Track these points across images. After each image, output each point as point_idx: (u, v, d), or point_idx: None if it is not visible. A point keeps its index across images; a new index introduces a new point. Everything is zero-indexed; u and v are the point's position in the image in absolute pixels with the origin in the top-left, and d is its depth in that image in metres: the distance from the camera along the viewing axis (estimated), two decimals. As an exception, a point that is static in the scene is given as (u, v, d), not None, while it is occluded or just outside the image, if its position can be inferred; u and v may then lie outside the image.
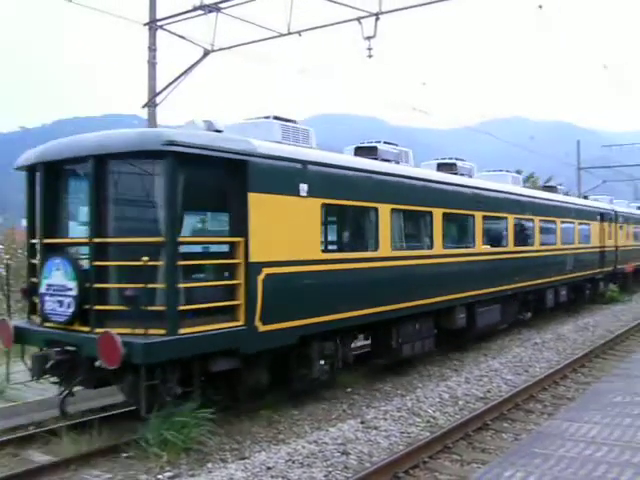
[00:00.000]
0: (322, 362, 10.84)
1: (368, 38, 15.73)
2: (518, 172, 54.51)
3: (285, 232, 9.88)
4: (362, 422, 9.36)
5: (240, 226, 9.20)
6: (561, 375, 12.92)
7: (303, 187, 10.20)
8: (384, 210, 12.12)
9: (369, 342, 13.79)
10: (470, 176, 16.83)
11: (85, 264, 8.97)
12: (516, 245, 17.82)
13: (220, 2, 16.45)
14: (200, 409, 8.87)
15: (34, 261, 9.94)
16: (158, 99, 17.82)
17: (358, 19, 15.84)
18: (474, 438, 9.13)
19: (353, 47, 17.34)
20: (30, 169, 10.12)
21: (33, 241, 10.06)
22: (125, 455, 8.56)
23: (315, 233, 10.55)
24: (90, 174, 8.88)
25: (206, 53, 17.33)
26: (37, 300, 9.57)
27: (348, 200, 11.35)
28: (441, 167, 16.15)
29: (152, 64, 17.73)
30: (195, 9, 16.67)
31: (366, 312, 11.43)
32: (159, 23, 17.72)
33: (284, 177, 9.98)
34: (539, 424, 8.56)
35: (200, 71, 17.77)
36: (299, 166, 10.24)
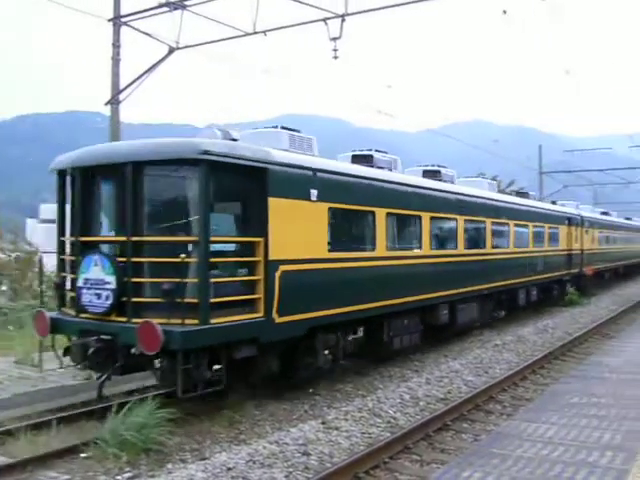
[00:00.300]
0: (326, 352, 11.98)
1: (334, 39, 15.79)
2: (481, 175, 55.22)
3: (298, 233, 10.85)
4: (323, 423, 9.36)
5: (260, 227, 10.09)
6: (520, 376, 13.07)
7: (313, 192, 11.19)
8: (380, 214, 13.18)
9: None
10: (452, 182, 17.90)
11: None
12: (493, 247, 19.03)
13: (186, -1, 16.38)
14: (161, 409, 8.83)
15: (64, 257, 11.03)
16: (122, 96, 17.67)
17: (324, 20, 15.88)
18: (434, 438, 9.20)
19: (319, 48, 17.38)
20: (61, 173, 11.03)
21: (63, 239, 11.08)
22: (84, 456, 8.46)
23: (322, 234, 11.53)
24: (128, 179, 9.64)
25: (171, 51, 17.25)
26: (69, 293, 10.68)
27: (350, 204, 12.40)
28: (426, 174, 16.94)
29: (116, 61, 17.57)
30: (160, 6, 16.59)
31: (364, 307, 12.45)
32: (124, 19, 17.57)
33: (298, 183, 10.96)
34: (498, 425, 8.66)
35: (169, 69, 17.69)
36: (310, 173, 11.22)
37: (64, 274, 10.94)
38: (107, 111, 18.11)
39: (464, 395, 11.17)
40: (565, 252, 26.59)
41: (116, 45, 17.46)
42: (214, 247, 9.55)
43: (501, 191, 26.62)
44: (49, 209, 25.82)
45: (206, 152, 9.27)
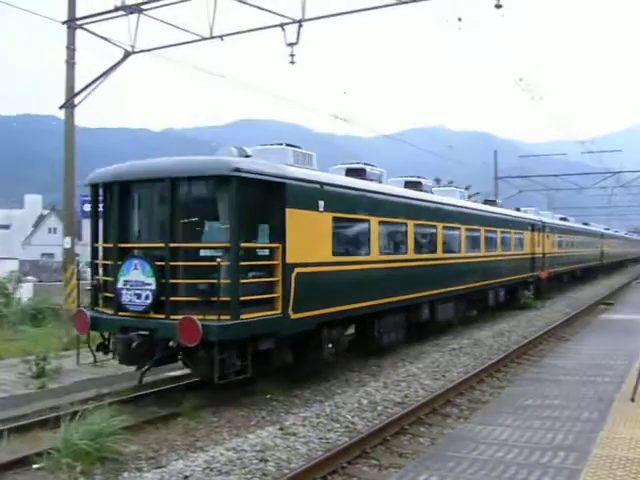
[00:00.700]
0: (330, 346, 13.17)
1: (291, 45, 15.76)
2: (437, 180, 55.73)
3: (308, 239, 12.21)
4: (281, 429, 9.34)
5: (279, 234, 11.45)
6: (477, 380, 13.20)
7: (321, 203, 12.64)
8: (374, 222, 14.71)
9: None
10: (431, 192, 19.56)
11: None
12: (467, 252, 20.67)
13: (142, 3, 16.21)
14: (116, 416, 8.73)
15: (99, 261, 12.50)
16: (77, 100, 17.43)
17: (281, 25, 15.85)
18: (392, 443, 9.23)
19: (277, 53, 17.40)
20: (94, 186, 12.45)
21: (97, 245, 12.54)
22: (36, 467, 8.30)
23: (328, 240, 12.94)
24: (166, 192, 10.96)
25: (127, 55, 17.05)
26: (106, 294, 11.98)
27: (350, 214, 13.91)
28: (408, 184, 18.31)
29: (71, 64, 17.32)
30: (116, 9, 16.37)
31: (361, 305, 13.86)
32: (79, 22, 17.33)
33: (309, 195, 12.38)
34: (455, 428, 8.73)
35: (128, 73, 17.51)
36: (318, 186, 12.71)
37: (99, 277, 12.34)
38: (62, 115, 17.86)
39: (421, 399, 11.25)
40: (529, 256, 28.27)
41: (71, 48, 17.21)
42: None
43: (481, 202, 27.94)
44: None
45: (237, 169, 10.66)
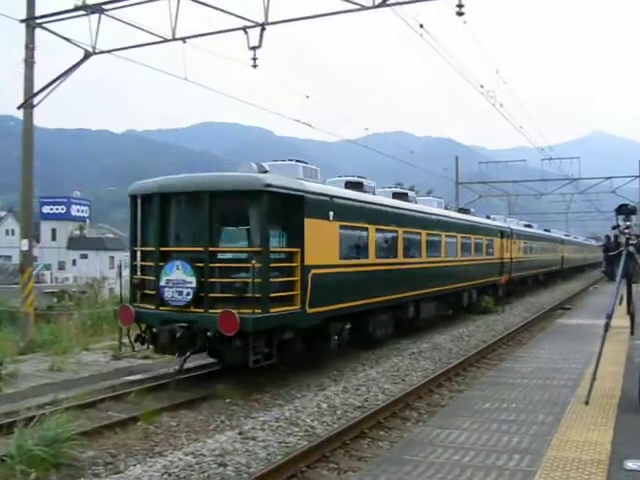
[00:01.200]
0: (336, 337, 15.06)
1: (253, 48, 15.79)
2: (399, 185, 56.14)
3: (321, 245, 13.95)
4: (240, 433, 9.30)
5: (298, 240, 13.18)
6: (436, 384, 13.31)
7: (331, 214, 14.45)
8: (372, 229, 16.67)
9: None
10: (416, 202, 21.59)
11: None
12: (446, 256, 22.72)
13: (103, 3, 16.07)
14: (71, 422, 8.62)
15: (137, 263, 14.39)
16: (36, 100, 17.20)
17: (244, 28, 15.87)
18: (351, 447, 9.27)
19: (240, 56, 17.37)
20: (133, 197, 14.18)
21: (136, 249, 14.41)
22: (-12, 474, 8.15)
23: (335, 245, 14.74)
24: (205, 204, 12.67)
25: (87, 55, 16.90)
26: (146, 291, 13.66)
27: (353, 222, 15.68)
28: (395, 195, 20.09)
29: (29, 63, 17.11)
30: (77, 9, 16.22)
31: (361, 303, 15.67)
32: (38, 21, 17.11)
33: (322, 207, 14.16)
34: (413, 431, 8.80)
35: (86, 74, 17.32)
36: (328, 199, 14.53)
37: (139, 276, 14.11)
38: (21, 115, 17.60)
39: (381, 403, 11.31)
40: (498, 260, 30.46)
41: (29, 47, 17.00)
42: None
43: (456, 211, 30.34)
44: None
45: (268, 185, 12.45)
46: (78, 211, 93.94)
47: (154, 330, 13.19)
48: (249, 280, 11.99)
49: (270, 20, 15.69)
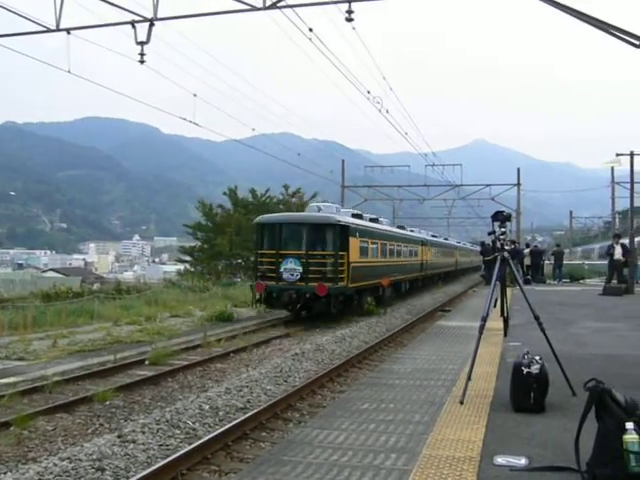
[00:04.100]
0: (368, 300, 27.85)
1: (141, 43, 15.49)
2: (285, 187, 56.07)
3: (354, 250, 25.29)
4: (119, 436, 9.12)
5: (345, 248, 24.37)
6: (318, 384, 13.47)
7: (357, 234, 26.00)
8: (380, 243, 30.68)
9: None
10: (381, 224, 33.80)
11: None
12: (397, 257, 35.19)
13: (-19, -11, 15.35)
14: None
15: (262, 260, 25.25)
16: None
17: (131, 23, 15.54)
18: (233, 448, 9.28)
19: (127, 51, 17.01)
20: (258, 225, 25.60)
21: (261, 251, 25.33)
22: None
23: (358, 251, 26.11)
24: (305, 229, 24.63)
25: (-38, 42, 16.08)
26: (269, 274, 24.37)
27: (367, 239, 28.06)
28: (372, 220, 31.65)
29: None
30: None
31: (375, 282, 28.20)
32: None
33: (353, 230, 25.58)
34: (294, 432, 8.88)
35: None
36: (356, 226, 26.24)
37: (260, 267, 25.33)
38: None
39: (263, 404, 11.36)
40: (419, 261, 41.82)
41: None
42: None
43: (397, 227, 42.36)
44: None
45: (338, 221, 24.47)
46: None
47: (273, 295, 23.89)
48: (328, 269, 24.03)
49: (159, 16, 15.44)
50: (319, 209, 26.22)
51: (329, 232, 24.41)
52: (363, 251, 26.90)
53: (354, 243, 25.20)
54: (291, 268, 23.44)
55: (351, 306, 25.50)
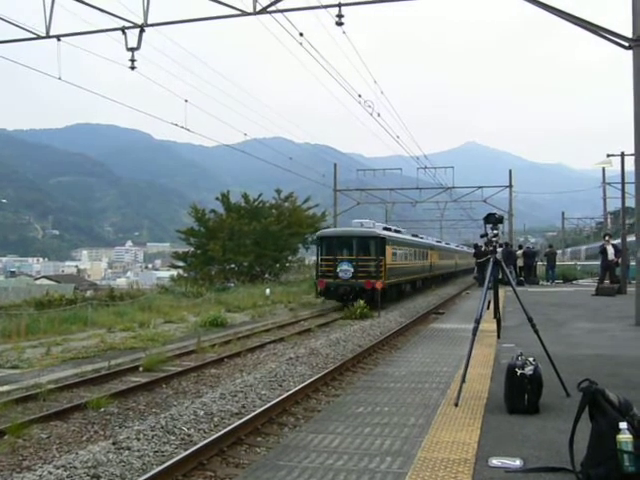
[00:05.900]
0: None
1: (132, 49, 15.50)
2: (277, 191, 56.18)
3: (389, 255, 33.99)
4: (114, 443, 9.10)
5: (383, 254, 32.76)
6: (313, 389, 13.45)
7: (390, 243, 34.58)
8: (403, 249, 39.55)
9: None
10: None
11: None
12: (417, 261, 43.91)
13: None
14: None
15: (322, 263, 33.34)
16: None
17: (122, 29, 15.56)
18: (228, 453, 9.26)
19: (118, 57, 17.00)
20: (319, 238, 35.05)
21: (321, 257, 33.55)
22: None
23: (392, 255, 34.89)
24: (355, 241, 33.56)
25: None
26: (328, 274, 32.51)
27: (396, 246, 36.74)
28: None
29: None
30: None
31: (405, 279, 38.81)
32: None
33: (389, 241, 34.31)
34: (289, 437, 8.87)
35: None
36: (389, 237, 34.83)
37: (321, 268, 33.17)
38: None
39: (258, 409, 11.32)
40: (429, 264, 48.68)
41: None
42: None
43: (413, 236, 48.37)
44: None
45: (378, 234, 33.41)
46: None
47: (331, 289, 31.57)
48: (372, 269, 31.76)
49: (150, 22, 15.47)
50: (362, 224, 34.86)
51: (372, 242, 33.15)
52: (394, 256, 35.93)
53: (388, 250, 33.71)
54: (345, 269, 31.72)
55: (387, 296, 32.93)
